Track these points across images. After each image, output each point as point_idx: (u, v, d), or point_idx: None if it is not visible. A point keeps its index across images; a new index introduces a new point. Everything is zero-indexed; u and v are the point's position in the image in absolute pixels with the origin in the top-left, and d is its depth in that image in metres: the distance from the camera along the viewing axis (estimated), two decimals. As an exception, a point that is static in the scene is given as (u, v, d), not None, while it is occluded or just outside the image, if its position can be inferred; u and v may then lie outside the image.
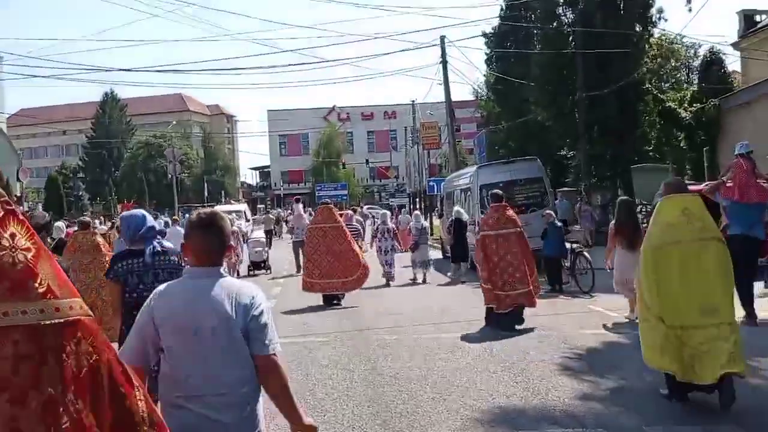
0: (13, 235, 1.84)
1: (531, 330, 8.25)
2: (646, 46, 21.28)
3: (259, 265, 17.01)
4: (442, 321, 9.20)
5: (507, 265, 8.50)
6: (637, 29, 20.38)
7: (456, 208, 16.15)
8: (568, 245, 12.16)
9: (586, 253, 11.90)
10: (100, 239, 8.96)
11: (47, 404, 1.79)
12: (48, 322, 1.83)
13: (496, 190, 9.96)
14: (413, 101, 44.40)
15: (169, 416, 2.32)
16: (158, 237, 4.13)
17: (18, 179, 26.26)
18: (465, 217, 14.62)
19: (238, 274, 14.64)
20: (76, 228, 10.50)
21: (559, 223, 12.48)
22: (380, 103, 72.27)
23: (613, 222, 8.84)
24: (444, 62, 26.92)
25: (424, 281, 13.93)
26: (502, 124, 28.76)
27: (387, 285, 13.58)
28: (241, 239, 17.01)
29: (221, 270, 2.61)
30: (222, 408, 2.44)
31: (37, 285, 1.84)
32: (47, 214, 12.75)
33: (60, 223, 12.71)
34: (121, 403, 2.00)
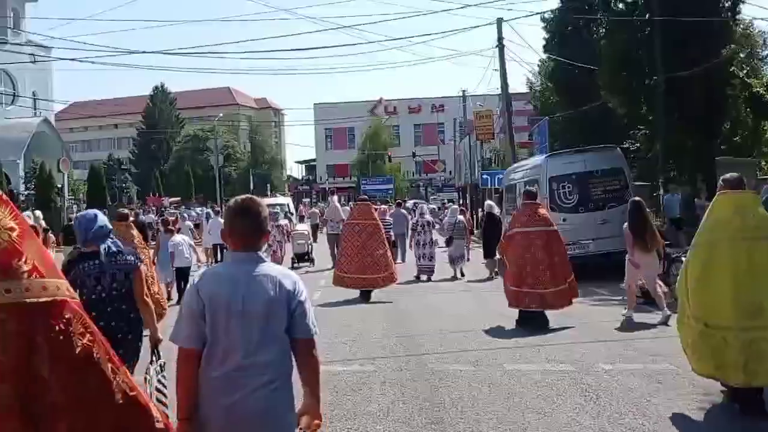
0: None
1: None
2: (732, 23, 18.89)
3: (302, 257, 17.23)
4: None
5: (537, 263, 8.29)
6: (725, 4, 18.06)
7: (488, 202, 16.03)
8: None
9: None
10: (135, 232, 8.94)
11: (36, 381, 1.81)
12: (34, 300, 1.84)
13: (529, 188, 9.80)
14: (463, 91, 42.59)
15: (212, 394, 2.49)
16: (111, 236, 4.08)
17: (59, 170, 25.68)
18: (497, 211, 14.52)
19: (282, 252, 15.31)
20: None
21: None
22: (428, 96, 70.23)
23: (627, 224, 8.56)
24: (501, 46, 25.03)
25: (462, 275, 13.82)
26: (559, 115, 26.71)
27: (427, 279, 13.50)
28: (285, 236, 16.78)
29: (261, 254, 2.67)
30: (263, 387, 2.50)
31: (21, 263, 1.85)
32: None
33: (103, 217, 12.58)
34: (119, 381, 2.08)
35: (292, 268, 15.99)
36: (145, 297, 4.09)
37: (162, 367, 3.94)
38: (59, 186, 26.10)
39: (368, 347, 7.32)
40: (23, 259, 1.85)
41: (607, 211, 12.67)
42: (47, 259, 1.95)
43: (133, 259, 4.09)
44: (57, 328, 1.86)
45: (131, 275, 4.03)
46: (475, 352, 6.98)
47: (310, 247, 17.51)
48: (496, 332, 8.10)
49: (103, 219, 4.12)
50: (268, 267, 2.65)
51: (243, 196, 2.78)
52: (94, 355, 1.99)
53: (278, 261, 14.88)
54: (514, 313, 8.49)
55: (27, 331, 1.81)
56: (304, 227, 18.52)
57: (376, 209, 14.36)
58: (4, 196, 1.93)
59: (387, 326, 8.70)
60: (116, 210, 10.88)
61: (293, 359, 2.60)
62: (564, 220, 12.57)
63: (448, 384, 5.81)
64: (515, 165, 17.82)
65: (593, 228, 12.64)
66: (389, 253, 11.41)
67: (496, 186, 25.35)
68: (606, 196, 12.82)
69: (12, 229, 1.87)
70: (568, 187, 12.78)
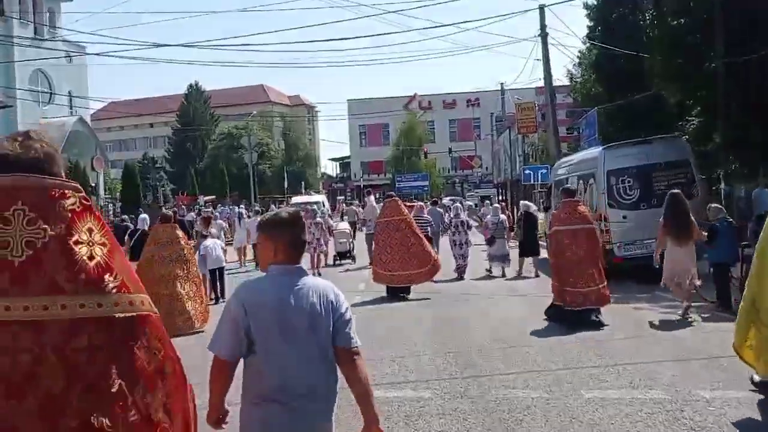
0: (90, 230, 1.94)
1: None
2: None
3: (344, 255, 17.73)
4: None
5: (578, 261, 8.26)
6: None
7: (524, 201, 15.84)
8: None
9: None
10: (179, 232, 9.16)
11: (118, 396, 1.84)
12: (122, 315, 1.91)
13: (568, 185, 9.92)
14: (501, 84, 41.36)
15: (255, 409, 2.50)
16: None
17: (93, 169, 25.46)
18: (533, 209, 14.38)
19: (323, 265, 15.54)
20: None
21: (730, 219, 9.52)
22: (463, 90, 68.88)
23: (662, 216, 8.56)
24: (543, 34, 23.88)
25: (503, 275, 13.56)
26: (605, 106, 25.36)
27: (460, 278, 13.36)
28: (327, 231, 16.79)
29: (303, 267, 2.67)
30: (309, 400, 2.49)
31: (112, 279, 1.93)
32: None
33: (144, 216, 13.10)
34: (184, 399, 2.07)
35: (334, 265, 17.05)
36: None
37: None
38: (93, 185, 25.89)
39: (420, 367, 6.46)
40: (113, 275, 1.92)
41: (672, 208, 11.52)
42: (131, 274, 2.02)
43: None
44: (140, 342, 1.94)
45: None
46: (544, 373, 6.04)
47: (351, 245, 17.98)
48: (561, 345, 7.14)
49: None
50: (311, 280, 2.66)
51: (289, 209, 2.80)
52: (165, 369, 2.04)
53: (318, 258, 15.32)
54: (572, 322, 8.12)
55: (112, 344, 1.87)
56: (345, 226, 18.93)
57: (411, 206, 14.91)
58: (96, 210, 1.97)
59: (438, 339, 7.82)
60: (149, 208, 11.49)
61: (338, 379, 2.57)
62: (624, 217, 11.51)
63: (519, 416, 4.91)
64: (564, 159, 16.70)
65: (656, 226, 11.50)
66: (428, 246, 11.45)
67: (540, 181, 24.23)
68: (671, 190, 11.61)
69: (104, 245, 1.94)
70: (628, 182, 11.68)
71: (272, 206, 39.29)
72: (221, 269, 11.84)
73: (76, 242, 1.87)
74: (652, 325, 8.14)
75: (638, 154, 11.82)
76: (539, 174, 24.27)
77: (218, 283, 11.70)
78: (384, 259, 11.18)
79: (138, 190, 28.16)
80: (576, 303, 8.09)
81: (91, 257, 1.88)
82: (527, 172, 24.64)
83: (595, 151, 12.81)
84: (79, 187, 1.92)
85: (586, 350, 6.85)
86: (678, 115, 25.40)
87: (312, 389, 2.50)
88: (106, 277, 1.88)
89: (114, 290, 1.89)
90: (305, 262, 13.86)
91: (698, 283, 8.46)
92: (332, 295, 2.61)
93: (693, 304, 8.47)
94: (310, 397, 2.48)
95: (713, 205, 9.91)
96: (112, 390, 1.81)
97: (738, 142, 17.56)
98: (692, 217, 8.54)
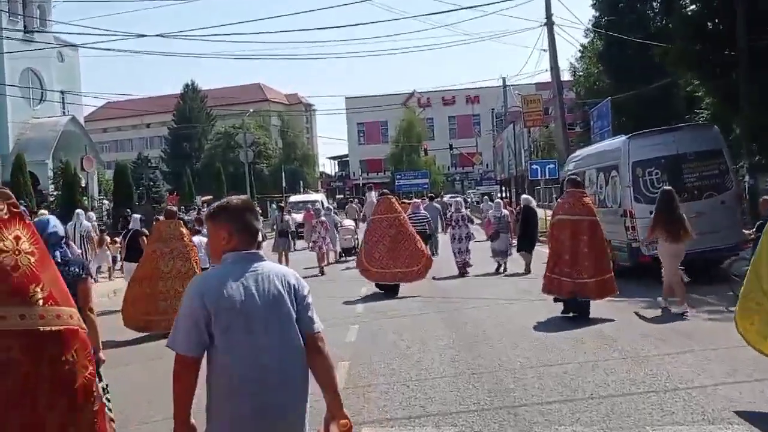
0: (17, 238, 1.88)
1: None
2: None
3: (349, 252, 18.17)
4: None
5: (576, 251, 8.22)
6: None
7: (524, 196, 15.75)
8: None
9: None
10: (184, 229, 9.04)
11: (38, 413, 1.76)
12: (47, 329, 1.83)
13: (573, 176, 9.74)
14: (503, 78, 40.43)
15: (225, 403, 2.35)
16: (62, 245, 3.95)
17: (83, 168, 24.42)
18: (533, 204, 14.32)
19: (325, 264, 15.55)
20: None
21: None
22: (462, 87, 67.86)
23: (653, 212, 8.63)
24: (550, 24, 22.84)
25: (504, 270, 13.46)
26: (617, 97, 24.38)
27: (461, 275, 13.19)
28: (334, 229, 17.07)
29: (261, 253, 2.56)
30: (281, 391, 2.37)
31: (39, 289, 1.86)
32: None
33: (137, 215, 12.53)
34: (100, 419, 2.07)
35: (338, 261, 17.57)
36: (88, 312, 3.81)
37: (105, 389, 3.76)
38: (83, 186, 24.85)
39: (439, 394, 5.37)
40: (40, 286, 1.84)
41: (703, 202, 10.50)
42: (61, 286, 1.95)
43: (78, 270, 3.92)
44: (64, 357, 1.84)
45: (75, 287, 3.69)
46: (593, 402, 4.97)
47: (356, 241, 18.30)
48: (604, 364, 6.12)
49: (55, 224, 3.95)
50: (270, 265, 2.56)
51: (242, 197, 2.67)
52: (93, 391, 1.97)
53: (323, 255, 15.52)
54: (605, 326, 7.73)
55: (34, 359, 1.76)
56: (350, 222, 19.82)
57: (408, 203, 15.44)
58: (27, 218, 1.95)
59: (455, 353, 6.80)
60: (139, 207, 10.78)
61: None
62: (651, 212, 10.47)
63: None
64: (580, 151, 15.64)
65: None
66: (420, 243, 11.41)
67: (547, 176, 23.26)
68: (702, 183, 10.61)
69: (32, 254, 1.87)
70: (656, 174, 10.64)
71: (272, 206, 38.52)
72: (204, 269, 11.04)
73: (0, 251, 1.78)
74: (697, 334, 7.13)
75: (666, 144, 10.78)
76: (546, 169, 23.30)
77: None
78: (376, 256, 11.10)
79: (130, 191, 27.08)
80: (574, 293, 8.18)
81: (15, 267, 1.81)
82: (534, 167, 23.62)
83: (617, 141, 11.75)
84: (9, 194, 1.88)
85: (635, 369, 5.81)
86: (687, 107, 24.52)
87: (283, 379, 2.38)
88: (32, 287, 1.83)
89: (40, 302, 1.82)
90: (312, 260, 12.09)
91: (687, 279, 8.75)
92: (293, 279, 2.51)
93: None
94: (281, 388, 2.37)
95: (765, 197, 8.97)
96: (33, 407, 1.73)
97: (762, 131, 16.57)
98: (684, 215, 8.57)
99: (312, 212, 18.50)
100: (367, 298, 11.09)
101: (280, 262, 15.56)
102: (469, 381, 5.72)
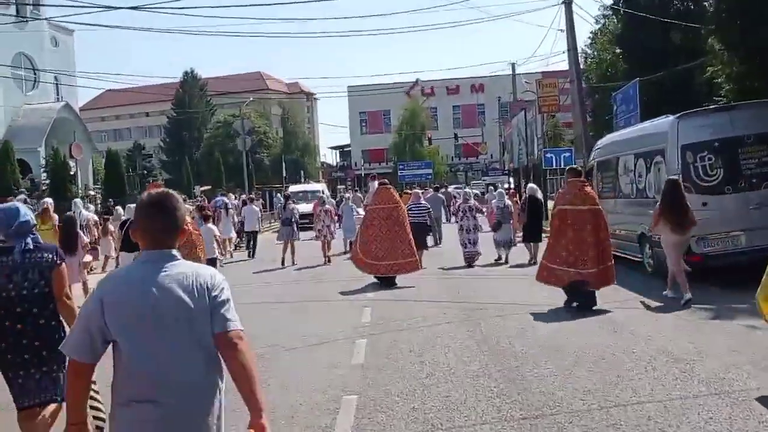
0: None
1: None
2: None
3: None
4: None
5: (579, 241, 8.18)
6: None
7: (530, 185, 15.39)
8: None
9: None
10: (187, 217, 6.94)
11: None
12: None
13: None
14: (512, 64, 39.02)
15: (126, 410, 2.26)
16: (33, 233, 3.89)
17: (71, 156, 23.17)
18: (539, 194, 14.31)
19: (329, 248, 15.36)
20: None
21: None
22: (467, 76, 66.39)
23: (658, 203, 8.61)
24: (568, 1, 21.48)
25: (506, 261, 13.45)
26: (641, 79, 23.10)
27: (468, 265, 13.09)
28: (332, 220, 16.40)
29: (175, 253, 2.38)
30: (186, 398, 2.24)
31: None
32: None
33: (134, 205, 10.36)
34: None
35: (345, 253, 16.39)
36: (65, 299, 3.77)
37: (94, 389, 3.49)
38: (72, 173, 23.60)
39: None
40: None
41: (764, 191, 9.26)
42: None
43: (52, 256, 3.80)
44: None
45: (48, 274, 3.76)
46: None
47: None
48: (693, 401, 4.89)
49: (26, 213, 3.85)
50: (183, 265, 2.37)
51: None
52: None
53: (327, 245, 15.28)
54: (659, 337, 6.70)
55: None
56: (360, 212, 19.56)
57: (409, 194, 15.30)
58: None
59: (492, 384, 5.44)
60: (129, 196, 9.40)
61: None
62: (704, 204, 9.22)
63: None
64: (610, 135, 14.33)
65: (745, 215, 9.26)
66: (413, 242, 11.28)
67: (563, 165, 21.97)
68: (763, 170, 9.33)
69: None
70: (709, 159, 9.34)
71: (277, 195, 37.36)
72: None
73: None
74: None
75: (721, 125, 9.44)
76: (562, 158, 22.03)
77: None
78: (372, 248, 10.95)
79: (122, 179, 25.80)
80: (575, 283, 8.14)
81: None
82: (549, 155, 22.32)
83: (663, 121, 10.40)
84: None
85: (732, 408, 4.59)
86: (707, 93, 23.27)
87: (189, 386, 2.23)
88: None
89: None
90: (317, 249, 12.03)
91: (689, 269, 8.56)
92: (207, 278, 2.33)
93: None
94: (187, 395, 2.22)
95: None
96: None
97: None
98: (689, 205, 8.45)
99: (329, 208, 18.11)
100: (374, 300, 9.86)
101: (285, 251, 14.91)
102: (514, 414, 4.47)
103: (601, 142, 13.84)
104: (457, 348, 6.65)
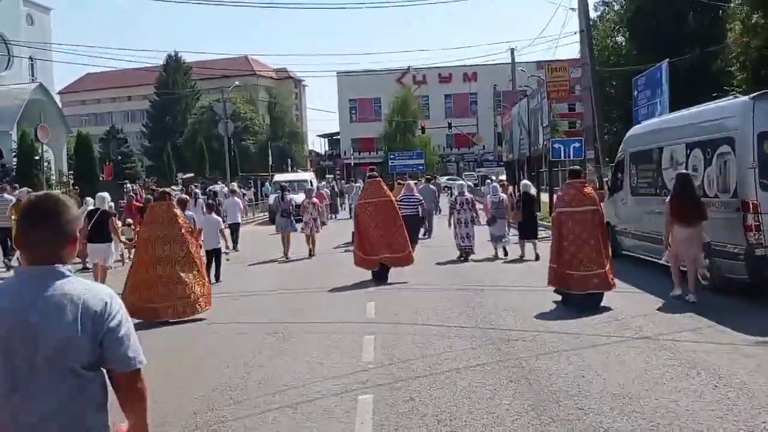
0: None
1: None
2: None
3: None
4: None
5: (583, 244, 8.07)
6: None
7: (524, 181, 15.30)
8: None
9: None
10: (177, 210, 8.75)
11: None
12: None
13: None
14: (512, 50, 37.39)
15: None
16: None
17: (37, 139, 21.29)
18: (533, 191, 14.31)
19: (317, 229, 15.05)
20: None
21: None
22: (459, 64, 64.73)
23: (668, 198, 8.37)
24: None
25: (506, 254, 13.25)
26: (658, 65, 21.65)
27: (465, 259, 12.97)
28: (321, 210, 16.09)
29: (63, 269, 2.04)
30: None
31: None
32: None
33: (103, 194, 11.02)
34: None
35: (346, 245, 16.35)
36: None
37: None
38: (37, 157, 21.72)
39: None
40: None
41: None
42: None
43: None
44: None
45: None
46: None
47: None
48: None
49: None
50: (69, 285, 2.01)
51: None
52: None
53: (314, 238, 14.89)
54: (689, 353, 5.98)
55: None
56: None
57: (402, 184, 15.15)
58: None
59: (526, 416, 4.08)
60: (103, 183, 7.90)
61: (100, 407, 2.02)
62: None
63: None
64: (651, 122, 12.64)
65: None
66: (406, 236, 11.05)
67: (572, 157, 20.41)
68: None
69: None
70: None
71: (266, 184, 35.65)
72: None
73: None
74: None
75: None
76: (571, 148, 20.45)
77: None
78: (365, 245, 10.81)
79: (92, 164, 23.92)
80: (581, 287, 7.93)
81: None
82: (556, 146, 20.70)
83: (732, 103, 8.62)
84: None
85: None
86: (720, 85, 22.01)
87: (54, 427, 1.94)
88: None
89: None
90: (323, 242, 11.70)
91: (702, 270, 8.30)
92: (98, 304, 1.99)
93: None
94: (39, 429, 1.94)
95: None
96: None
97: None
98: (700, 199, 8.19)
99: (323, 193, 17.85)
100: (376, 308, 8.74)
101: (284, 243, 14.50)
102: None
103: (635, 131, 12.18)
104: (475, 367, 5.70)
